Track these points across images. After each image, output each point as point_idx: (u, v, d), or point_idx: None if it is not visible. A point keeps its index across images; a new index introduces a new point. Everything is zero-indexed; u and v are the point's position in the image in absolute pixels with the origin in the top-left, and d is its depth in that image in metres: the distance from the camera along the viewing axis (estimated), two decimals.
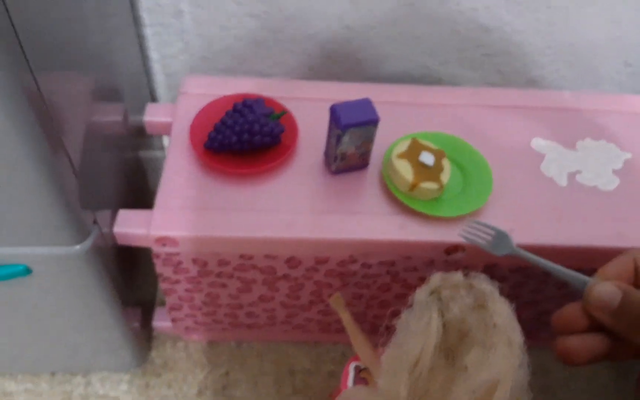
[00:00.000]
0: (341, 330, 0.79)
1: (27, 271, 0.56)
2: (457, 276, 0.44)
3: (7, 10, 0.37)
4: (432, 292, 0.43)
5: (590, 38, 0.76)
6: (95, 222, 0.56)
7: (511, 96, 0.75)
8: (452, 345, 0.39)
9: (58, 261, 0.56)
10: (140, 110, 0.73)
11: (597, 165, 0.68)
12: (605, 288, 0.41)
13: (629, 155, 0.70)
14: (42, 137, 0.44)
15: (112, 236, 0.61)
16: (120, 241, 0.62)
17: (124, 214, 0.62)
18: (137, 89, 0.78)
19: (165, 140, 0.90)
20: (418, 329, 0.40)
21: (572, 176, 0.66)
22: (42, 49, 0.44)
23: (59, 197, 0.49)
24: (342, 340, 0.83)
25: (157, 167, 0.92)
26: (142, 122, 0.72)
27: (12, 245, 0.53)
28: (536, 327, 0.71)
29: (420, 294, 0.43)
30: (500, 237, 0.50)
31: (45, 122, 0.44)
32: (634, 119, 0.74)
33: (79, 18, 0.54)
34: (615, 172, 0.67)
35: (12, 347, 0.72)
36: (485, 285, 0.42)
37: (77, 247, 0.54)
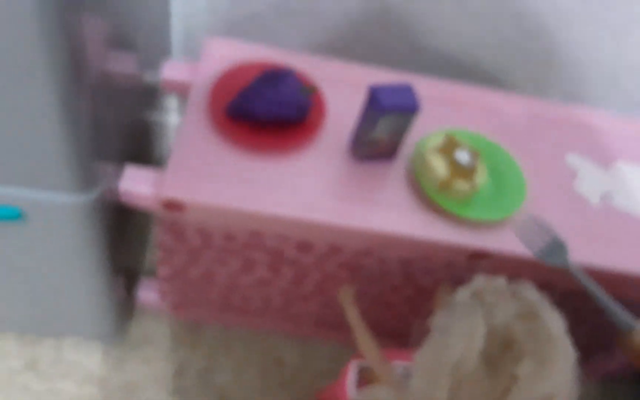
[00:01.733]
0: (335, 327, 0.76)
1: (20, 215, 0.51)
2: (501, 281, 0.41)
3: None
4: (474, 294, 0.40)
5: (634, 60, 0.74)
6: (101, 174, 0.51)
7: (552, 108, 0.73)
8: (494, 353, 0.37)
9: (56, 210, 0.51)
10: (155, 66, 0.68)
11: (632, 189, 0.66)
12: None
13: None
14: (67, 75, 0.41)
15: (115, 192, 0.56)
16: (124, 199, 0.57)
17: (131, 171, 0.57)
18: (155, 44, 0.73)
19: (174, 103, 0.85)
20: (460, 331, 0.37)
21: (605, 197, 0.65)
22: None
23: (73, 138, 0.45)
24: (334, 337, 0.79)
25: (162, 132, 0.87)
26: (156, 79, 0.68)
27: (7, 183, 0.48)
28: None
29: (462, 295, 0.40)
30: (557, 245, 0.48)
31: (70, 61, 0.41)
32: None
33: None
34: None
35: None
36: (532, 294, 0.40)
37: (81, 196, 0.50)
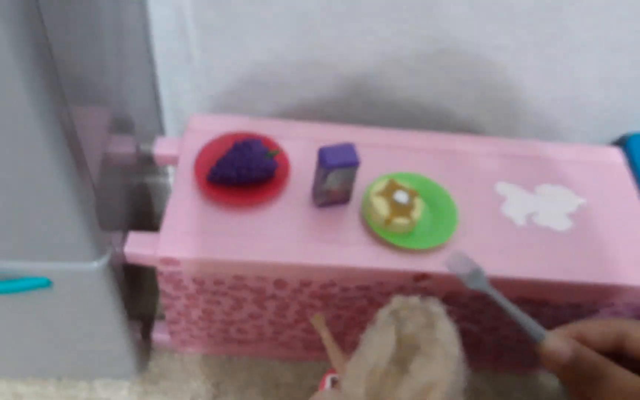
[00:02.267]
0: (323, 348, 0.87)
1: (49, 284, 0.64)
2: (415, 300, 0.52)
3: (50, 51, 0.44)
4: (392, 312, 0.51)
5: (559, 93, 0.85)
6: (110, 242, 0.64)
7: (482, 143, 0.84)
8: (405, 357, 0.47)
9: (76, 276, 0.64)
10: (150, 141, 0.81)
11: (553, 208, 0.76)
12: (556, 343, 0.45)
13: (583, 201, 0.79)
14: (72, 161, 0.51)
15: (123, 255, 0.70)
16: (130, 260, 0.70)
17: (134, 236, 0.70)
18: (147, 122, 0.87)
19: (170, 169, 0.99)
20: (377, 342, 0.48)
21: (529, 217, 0.75)
22: (73, 85, 0.51)
23: (83, 216, 0.56)
24: (324, 357, 0.90)
25: (161, 193, 1.00)
26: (151, 153, 0.81)
27: (37, 260, 0.61)
28: (498, 352, 0.79)
29: (382, 313, 0.51)
30: (477, 272, 0.57)
31: (74, 149, 0.51)
32: (591, 167, 0.83)
33: (100, 58, 0.61)
34: (569, 215, 0.76)
35: (24, 353, 0.79)
36: (435, 308, 0.50)
37: (95, 263, 0.62)
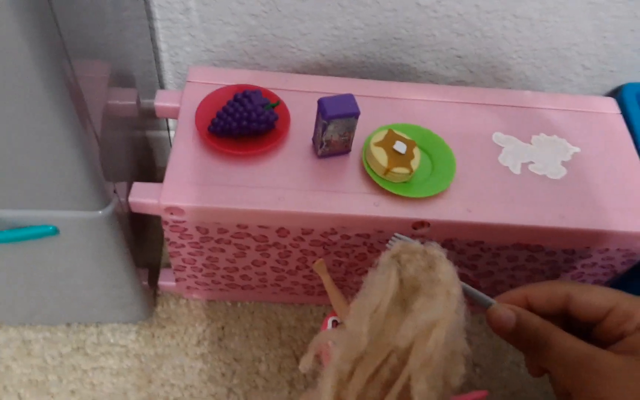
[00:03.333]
0: (323, 293, 0.90)
1: (56, 231, 0.66)
2: (416, 244, 0.54)
3: (50, 4, 0.45)
4: (393, 256, 0.53)
5: (553, 44, 0.85)
6: (115, 191, 0.66)
7: (478, 94, 0.85)
8: (406, 297, 0.50)
9: (83, 224, 0.65)
10: (150, 95, 0.82)
11: (548, 157, 0.78)
12: (501, 311, 0.47)
13: (577, 150, 0.80)
14: (75, 113, 0.52)
15: (127, 205, 0.71)
16: (134, 209, 0.72)
17: (137, 186, 0.72)
18: (147, 76, 0.87)
19: (172, 122, 0.99)
20: (380, 283, 0.50)
21: (525, 166, 0.77)
22: (74, 39, 0.51)
23: (87, 166, 0.58)
24: (324, 302, 0.94)
25: (162, 147, 1.02)
26: (152, 106, 0.82)
27: (44, 208, 0.63)
28: (492, 295, 0.82)
29: (384, 257, 0.53)
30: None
31: (77, 101, 0.52)
32: (586, 116, 0.85)
33: (99, 11, 0.61)
34: (563, 163, 0.78)
35: (33, 301, 0.82)
36: (436, 251, 0.52)
37: (100, 212, 0.64)
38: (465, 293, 0.54)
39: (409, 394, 0.47)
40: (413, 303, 0.48)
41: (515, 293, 0.49)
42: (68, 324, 0.89)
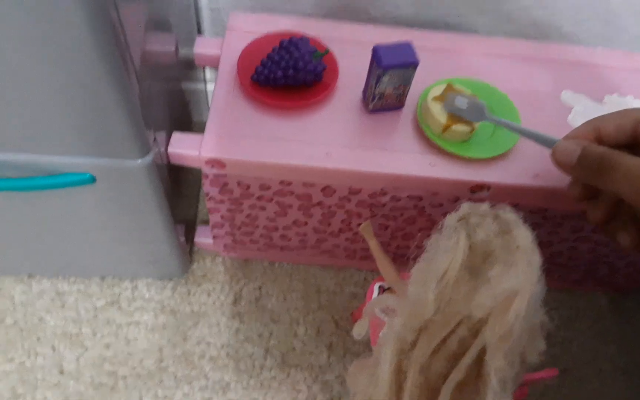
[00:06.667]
0: (365, 257, 0.86)
1: (93, 180, 0.63)
2: (485, 206, 0.49)
3: None
4: (460, 219, 0.48)
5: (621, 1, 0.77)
6: (155, 140, 0.62)
7: (545, 49, 0.78)
8: (476, 264, 0.45)
9: (121, 173, 0.62)
10: (188, 42, 0.77)
11: None
12: (566, 144, 0.48)
13: None
14: (118, 58, 0.49)
15: (166, 156, 0.68)
16: (173, 160, 0.68)
17: (177, 136, 0.68)
18: (185, 23, 0.82)
19: (208, 74, 0.95)
20: (447, 247, 0.46)
21: None
22: None
23: (129, 111, 0.54)
24: (365, 266, 0.90)
25: (198, 99, 0.97)
26: (190, 54, 0.77)
27: (81, 155, 0.60)
28: (548, 268, 0.77)
29: (451, 219, 0.49)
30: (477, 107, 0.61)
31: (120, 45, 0.49)
32: None
33: None
34: None
35: (67, 252, 0.80)
36: (510, 215, 0.47)
37: (139, 161, 0.61)
38: (527, 135, 0.54)
39: (480, 369, 0.42)
40: (488, 271, 0.44)
41: (582, 127, 0.50)
42: (102, 277, 0.87)
